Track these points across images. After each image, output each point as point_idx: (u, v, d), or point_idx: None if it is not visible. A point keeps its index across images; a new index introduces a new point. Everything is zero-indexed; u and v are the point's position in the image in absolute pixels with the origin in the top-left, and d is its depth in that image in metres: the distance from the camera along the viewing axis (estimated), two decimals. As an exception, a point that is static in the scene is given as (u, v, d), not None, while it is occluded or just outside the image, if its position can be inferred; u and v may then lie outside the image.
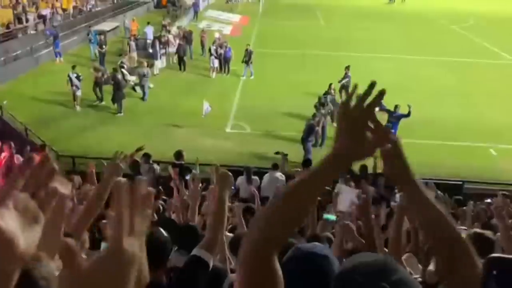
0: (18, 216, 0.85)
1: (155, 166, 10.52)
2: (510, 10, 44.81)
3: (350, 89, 1.26)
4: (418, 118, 15.86)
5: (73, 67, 17.21)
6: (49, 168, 0.86)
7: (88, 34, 23.32)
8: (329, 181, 1.27)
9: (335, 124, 13.61)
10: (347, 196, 7.75)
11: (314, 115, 13.89)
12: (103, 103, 17.27)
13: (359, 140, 1.22)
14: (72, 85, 16.65)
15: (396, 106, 13.97)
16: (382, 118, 13.97)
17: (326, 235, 4.93)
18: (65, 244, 0.87)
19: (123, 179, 0.90)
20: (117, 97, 16.46)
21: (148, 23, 24.86)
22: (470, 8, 44.93)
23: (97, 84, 17.14)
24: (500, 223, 3.93)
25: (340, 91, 16.47)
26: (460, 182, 11.35)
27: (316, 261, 1.41)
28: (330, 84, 16.29)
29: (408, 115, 13.83)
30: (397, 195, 9.73)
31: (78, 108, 16.87)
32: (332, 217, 5.28)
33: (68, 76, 16.73)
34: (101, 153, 10.85)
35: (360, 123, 1.22)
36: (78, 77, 16.76)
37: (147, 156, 10.36)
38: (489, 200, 8.01)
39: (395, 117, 13.78)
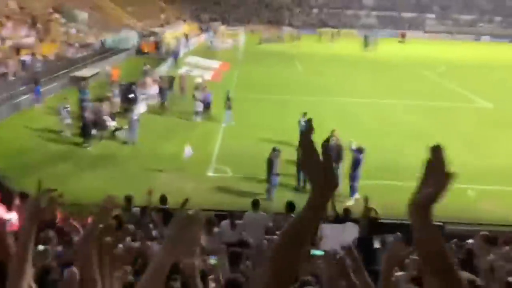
0: None
1: (134, 210, 10.18)
2: (479, 56, 46.91)
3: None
4: (395, 160, 16.27)
5: (64, 99, 19.30)
6: None
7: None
8: (314, 225, 1.35)
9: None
10: (331, 234, 7.77)
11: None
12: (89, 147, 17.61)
13: (322, 174, 1.33)
14: (60, 114, 18.52)
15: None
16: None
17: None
18: None
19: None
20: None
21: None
22: (441, 55, 46.89)
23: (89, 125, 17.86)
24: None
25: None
26: (441, 224, 11.47)
27: None
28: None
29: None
30: (376, 240, 9.73)
31: (68, 133, 18.34)
32: (319, 252, 5.29)
33: (58, 107, 18.73)
34: (81, 201, 10.69)
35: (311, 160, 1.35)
36: (66, 108, 18.59)
37: (128, 200, 10.09)
38: (470, 241, 8.13)
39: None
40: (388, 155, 16.89)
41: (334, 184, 1.34)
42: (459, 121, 22.87)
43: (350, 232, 9.12)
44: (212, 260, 5.26)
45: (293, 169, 14.63)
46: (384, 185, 14.67)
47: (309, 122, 1.40)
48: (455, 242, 8.49)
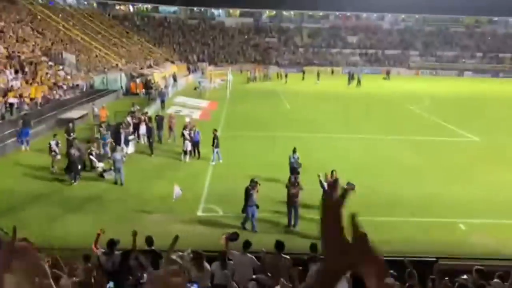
0: None
1: (116, 253, 9.81)
2: (462, 91, 47.91)
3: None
4: (384, 196, 16.26)
5: (54, 135, 19.69)
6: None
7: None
8: None
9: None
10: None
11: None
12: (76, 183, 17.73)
13: (343, 250, 1.17)
14: (51, 151, 18.74)
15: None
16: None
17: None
18: None
19: None
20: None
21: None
22: (426, 91, 47.86)
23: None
24: None
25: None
26: (434, 259, 11.35)
27: None
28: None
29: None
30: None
31: (54, 169, 18.62)
32: None
33: (49, 143, 18.95)
34: (68, 244, 10.47)
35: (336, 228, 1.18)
36: (57, 144, 18.98)
37: (111, 244, 9.63)
38: (465, 277, 8.03)
39: None
40: (381, 191, 16.89)
41: (360, 261, 1.16)
42: (446, 155, 23.08)
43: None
44: None
45: (283, 207, 14.53)
46: (375, 221, 14.60)
47: (334, 184, 1.16)
48: (448, 278, 8.36)
